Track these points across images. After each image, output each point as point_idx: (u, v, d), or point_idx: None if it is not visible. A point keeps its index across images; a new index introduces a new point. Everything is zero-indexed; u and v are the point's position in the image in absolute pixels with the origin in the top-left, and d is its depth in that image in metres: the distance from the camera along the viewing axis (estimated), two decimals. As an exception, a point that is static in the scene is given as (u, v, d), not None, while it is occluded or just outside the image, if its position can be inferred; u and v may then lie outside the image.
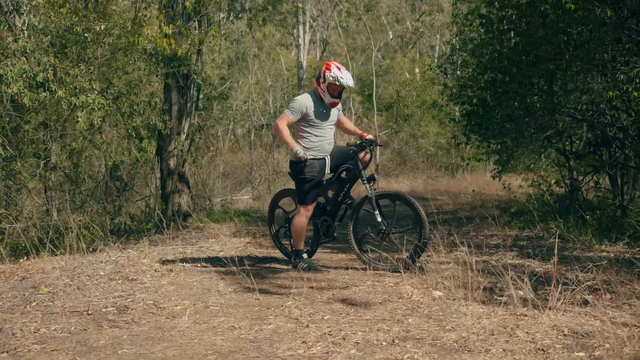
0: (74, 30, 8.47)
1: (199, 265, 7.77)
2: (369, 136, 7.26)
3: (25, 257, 8.45)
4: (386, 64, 35.00)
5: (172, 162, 12.41)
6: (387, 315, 5.21)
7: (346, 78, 7.00)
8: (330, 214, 7.66)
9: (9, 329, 5.01)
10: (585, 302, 5.33)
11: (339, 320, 5.06)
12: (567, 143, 12.44)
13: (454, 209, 16.17)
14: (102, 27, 8.55)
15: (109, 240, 9.44)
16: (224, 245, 9.47)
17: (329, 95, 7.09)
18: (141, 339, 4.71)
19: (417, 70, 35.96)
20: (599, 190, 11.90)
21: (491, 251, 8.34)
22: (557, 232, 8.98)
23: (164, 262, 7.88)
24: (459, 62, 14.32)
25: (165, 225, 10.22)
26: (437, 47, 36.98)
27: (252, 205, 18.06)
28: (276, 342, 4.55)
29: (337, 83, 7.01)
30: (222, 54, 24.01)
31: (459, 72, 14.67)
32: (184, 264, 7.80)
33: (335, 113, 7.35)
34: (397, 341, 4.48)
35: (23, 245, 9.40)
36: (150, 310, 5.56)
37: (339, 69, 7.03)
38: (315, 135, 7.22)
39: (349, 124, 7.72)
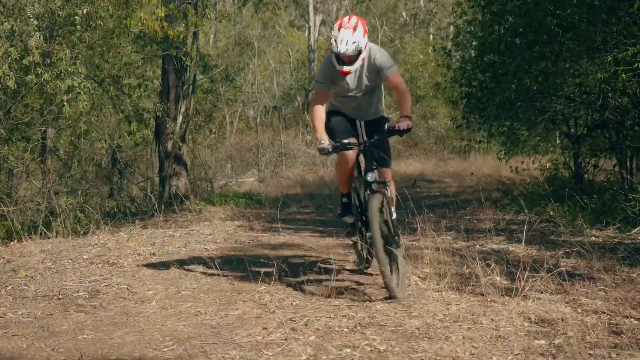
0: (59, 13, 8.44)
1: (183, 249, 7.76)
2: (397, 124, 5.42)
3: (16, 240, 8.48)
4: (395, 45, 34.76)
5: (169, 145, 12.41)
6: (356, 301, 5.17)
7: (340, 42, 5.34)
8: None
9: (-23, 313, 5.03)
10: (560, 289, 5.26)
11: (307, 306, 5.03)
12: (572, 125, 12.30)
13: (457, 191, 16.09)
14: (85, 11, 8.51)
15: (101, 223, 9.45)
16: (215, 228, 9.46)
17: (336, 62, 5.49)
18: (104, 324, 4.70)
19: (430, 51, 35.67)
20: (610, 173, 11.71)
21: (479, 235, 8.27)
22: (547, 217, 8.88)
23: (149, 245, 7.87)
24: (463, 43, 14.18)
25: (158, 208, 10.22)
26: (451, 28, 36.62)
27: (257, 187, 18.04)
28: (238, 327, 4.53)
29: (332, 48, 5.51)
30: (225, 37, 23.93)
31: (459, 54, 14.53)
32: (168, 247, 7.79)
33: (364, 77, 5.65)
34: (358, 327, 4.45)
35: (21, 228, 9.43)
36: (122, 294, 5.56)
37: (340, 27, 5.41)
38: (341, 102, 5.89)
39: (400, 93, 5.67)
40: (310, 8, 30.47)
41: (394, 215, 5.58)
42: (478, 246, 7.25)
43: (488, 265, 5.67)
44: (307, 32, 31.77)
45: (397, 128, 5.36)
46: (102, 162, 13.76)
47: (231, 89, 23.58)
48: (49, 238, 8.67)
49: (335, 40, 5.40)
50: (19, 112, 9.52)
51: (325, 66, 5.69)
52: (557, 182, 12.56)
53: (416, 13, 37.58)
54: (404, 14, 37.94)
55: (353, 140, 5.66)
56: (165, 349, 4.15)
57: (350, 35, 5.34)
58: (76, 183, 11.14)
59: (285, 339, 4.23)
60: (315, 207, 13.37)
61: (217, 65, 21.25)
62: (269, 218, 10.57)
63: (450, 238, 7.85)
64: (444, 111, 29.90)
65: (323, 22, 32.92)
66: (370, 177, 5.49)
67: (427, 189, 18.29)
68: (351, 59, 5.44)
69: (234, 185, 18.57)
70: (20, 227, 9.13)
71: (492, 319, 4.52)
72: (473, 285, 5.37)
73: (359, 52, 5.41)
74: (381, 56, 5.61)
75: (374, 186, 5.44)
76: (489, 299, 4.98)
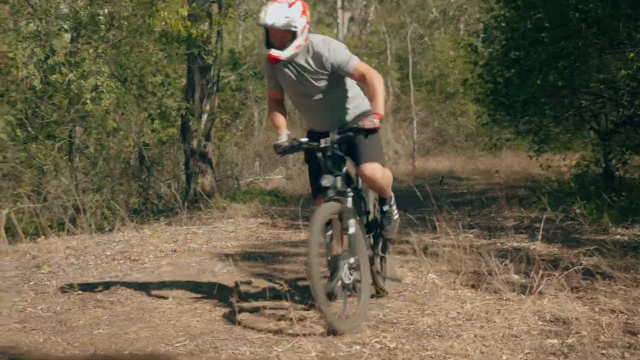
0: (82, 14, 8.55)
1: (204, 245, 7.82)
2: (361, 122, 4.48)
3: (43, 237, 8.60)
4: (424, 42, 34.59)
5: (194, 143, 12.50)
6: (371, 298, 5.16)
7: (269, 13, 4.40)
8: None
9: (-1, 307, 5.12)
10: (578, 288, 5.21)
11: (322, 304, 5.02)
12: (601, 121, 12.15)
13: (484, 189, 15.98)
14: (106, 10, 8.61)
15: (126, 220, 9.56)
16: (238, 226, 9.50)
17: (265, 46, 4.57)
18: (120, 320, 4.76)
19: (458, 47, 35.40)
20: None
21: (501, 233, 8.20)
22: (573, 215, 8.78)
23: (171, 242, 7.94)
24: (490, 39, 14.07)
25: (182, 205, 10.29)
26: (480, 25, 36.30)
27: (284, 185, 18.09)
28: (251, 324, 4.56)
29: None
30: (254, 35, 23.99)
31: (487, 51, 14.42)
32: (190, 244, 7.85)
33: (318, 77, 4.68)
34: (370, 325, 4.45)
35: (48, 224, 9.56)
36: (140, 290, 5.61)
37: (275, 1, 4.46)
38: (302, 110, 5.06)
39: (368, 84, 4.62)
40: (338, 5, 30.44)
41: (352, 230, 4.53)
42: (499, 244, 7.20)
43: (506, 264, 5.63)
44: (335, 29, 31.75)
45: (359, 127, 4.43)
46: (130, 159, 13.89)
47: (260, 86, 23.63)
48: (75, 235, 8.78)
49: (265, 12, 4.42)
50: (46, 111, 9.66)
51: (264, 63, 4.81)
52: (586, 179, 12.40)
53: (446, 9, 37.37)
54: (433, 10, 37.77)
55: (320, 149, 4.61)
56: (177, 344, 4.19)
57: (284, 9, 4.38)
58: (103, 180, 11.28)
59: (296, 336, 4.25)
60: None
61: (246, 62, 21.33)
62: (293, 215, 10.59)
63: (471, 236, 7.80)
64: (474, 108, 29.71)
65: (352, 19, 32.88)
66: (325, 181, 4.55)
67: (454, 186, 18.20)
68: (282, 43, 4.46)
69: (261, 183, 18.63)
70: (48, 223, 9.28)
71: (505, 318, 4.49)
72: (489, 283, 5.33)
73: (293, 34, 4.44)
74: (333, 51, 4.59)
75: (330, 193, 4.55)
76: (504, 298, 4.95)
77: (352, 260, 4.51)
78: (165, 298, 5.33)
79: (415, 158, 27.21)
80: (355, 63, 4.60)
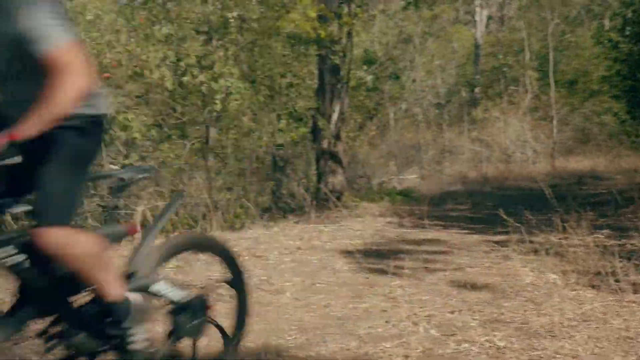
0: (212, 17, 8.86)
1: (329, 243, 7.89)
2: None
3: (177, 233, 8.95)
4: (565, 39, 33.36)
5: (325, 143, 12.63)
6: (488, 297, 5.06)
7: None
8: None
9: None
10: None
11: (436, 302, 4.99)
12: None
13: (624, 188, 15.20)
14: (235, 14, 8.87)
15: (257, 218, 9.81)
16: (365, 224, 9.53)
17: None
18: (236, 313, 4.88)
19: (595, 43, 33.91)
20: None
21: (634, 234, 7.76)
22: None
23: (297, 240, 8.07)
24: (631, 35, 13.42)
25: (311, 204, 10.44)
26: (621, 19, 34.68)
27: (418, 184, 17.98)
28: (362, 320, 4.59)
29: None
30: (390, 35, 23.95)
31: (627, 47, 13.74)
32: (315, 241, 7.95)
33: None
34: (482, 324, 4.37)
35: (185, 221, 9.95)
36: (260, 285, 5.75)
37: None
38: None
39: (50, 83, 2.57)
40: (477, 2, 29.91)
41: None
42: (629, 245, 6.86)
43: (632, 265, 5.36)
44: (473, 28, 31.21)
45: None
46: (264, 159, 14.22)
47: (395, 86, 23.61)
48: (207, 231, 9.08)
49: None
50: (179, 113, 10.06)
51: None
52: None
53: (590, 5, 35.95)
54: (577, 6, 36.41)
55: None
56: (288, 338, 4.28)
57: None
58: (235, 179, 11.61)
59: (405, 332, 4.23)
60: (471, 204, 13.13)
61: (381, 62, 21.35)
62: (421, 215, 10.50)
63: (601, 236, 7.47)
64: (618, 106, 28.40)
65: (490, 18, 32.23)
66: None
67: (593, 186, 17.43)
68: None
69: (394, 183, 18.59)
70: (183, 221, 9.66)
71: (624, 319, 4.31)
72: (613, 284, 5.10)
73: None
74: (33, 13, 2.56)
75: None
76: (626, 299, 4.72)
77: None
78: (283, 293, 5.43)
79: (555, 157, 26.28)
80: (61, 44, 2.59)
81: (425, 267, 6.14)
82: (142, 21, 8.77)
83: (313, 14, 9.87)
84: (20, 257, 2.67)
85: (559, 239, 7.29)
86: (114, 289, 2.86)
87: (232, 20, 9.07)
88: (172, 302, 3.29)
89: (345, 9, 11.39)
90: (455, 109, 29.67)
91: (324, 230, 8.87)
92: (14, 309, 2.77)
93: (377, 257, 6.97)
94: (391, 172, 19.82)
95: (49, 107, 2.56)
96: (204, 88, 8.73)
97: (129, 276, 3.07)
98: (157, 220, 3.50)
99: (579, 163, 23.76)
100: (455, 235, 8.34)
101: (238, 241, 8.04)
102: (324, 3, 11.26)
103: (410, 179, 19.58)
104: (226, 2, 8.95)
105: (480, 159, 22.21)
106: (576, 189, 14.55)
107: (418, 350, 3.90)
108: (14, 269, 2.68)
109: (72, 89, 2.58)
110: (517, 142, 23.72)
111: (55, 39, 2.57)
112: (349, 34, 12.40)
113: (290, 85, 11.12)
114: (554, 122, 27.62)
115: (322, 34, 9.90)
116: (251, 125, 10.95)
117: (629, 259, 5.50)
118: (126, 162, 9.18)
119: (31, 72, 2.67)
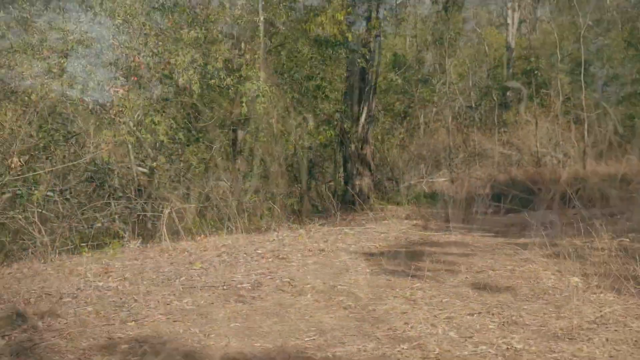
0: (238, 22, 8.92)
1: (353, 246, 7.90)
2: None
3: (203, 235, 9.03)
4: (598, 41, 32.97)
5: (353, 146, 12.67)
6: (508, 300, 5.04)
7: None
8: None
9: (149, 299, 5.45)
10: None
11: (456, 304, 4.99)
12: None
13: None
14: (262, 18, 8.92)
15: (283, 220, 9.85)
16: (390, 227, 9.53)
17: None
18: (257, 314, 4.94)
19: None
20: None
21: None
22: None
23: (321, 242, 8.09)
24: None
25: (339, 207, 10.46)
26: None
27: (447, 188, 17.89)
28: (381, 322, 4.61)
29: None
30: (421, 39, 23.89)
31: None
32: (339, 244, 7.97)
33: None
34: (501, 326, 4.36)
35: (212, 224, 10.02)
36: (282, 287, 5.79)
37: None
38: None
39: None
40: (509, 5, 29.68)
41: None
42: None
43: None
44: (504, 30, 30.98)
45: None
46: (292, 162, 14.27)
47: (425, 89, 23.53)
48: (233, 233, 9.16)
49: None
50: (207, 116, 10.13)
51: None
52: None
53: (624, 7, 35.48)
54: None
55: None
56: (306, 339, 4.31)
57: None
58: (262, 182, 11.67)
59: (424, 334, 4.24)
60: (498, 208, 13.05)
61: (410, 65, 21.33)
62: (446, 218, 10.48)
63: (627, 240, 7.37)
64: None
65: (522, 21, 31.96)
66: None
67: (623, 190, 17.20)
68: None
69: (424, 186, 18.53)
70: (211, 223, 9.73)
71: (645, 323, 4.26)
72: (634, 287, 5.05)
73: None
74: None
75: None
76: (649, 303, 4.68)
77: None
78: (304, 295, 5.46)
79: (586, 161, 26.02)
80: None
81: (447, 270, 6.13)
82: (171, 24, 8.87)
83: (341, 17, 9.89)
84: None
85: (584, 242, 7.24)
86: None
87: (259, 25, 9.12)
88: None
89: (374, 13, 11.42)
90: (486, 112, 29.46)
91: (349, 233, 8.88)
92: None
93: (400, 259, 6.96)
94: (420, 175, 19.76)
95: None
96: (230, 91, 8.80)
97: None
98: None
99: (610, 167, 23.48)
100: (479, 238, 8.31)
101: (263, 243, 8.09)
102: (352, 7, 11.30)
103: (440, 182, 19.49)
104: (255, 6, 9.01)
105: (510, 162, 22.05)
106: (606, 193, 14.36)
107: (435, 352, 3.91)
108: None
109: None
110: (548, 145, 23.50)
111: None
112: (377, 37, 12.43)
113: (318, 87, 11.15)
114: (585, 125, 27.33)
115: (350, 36, 9.92)
116: (279, 128, 10.99)
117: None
118: (153, 164, 9.28)
119: None
